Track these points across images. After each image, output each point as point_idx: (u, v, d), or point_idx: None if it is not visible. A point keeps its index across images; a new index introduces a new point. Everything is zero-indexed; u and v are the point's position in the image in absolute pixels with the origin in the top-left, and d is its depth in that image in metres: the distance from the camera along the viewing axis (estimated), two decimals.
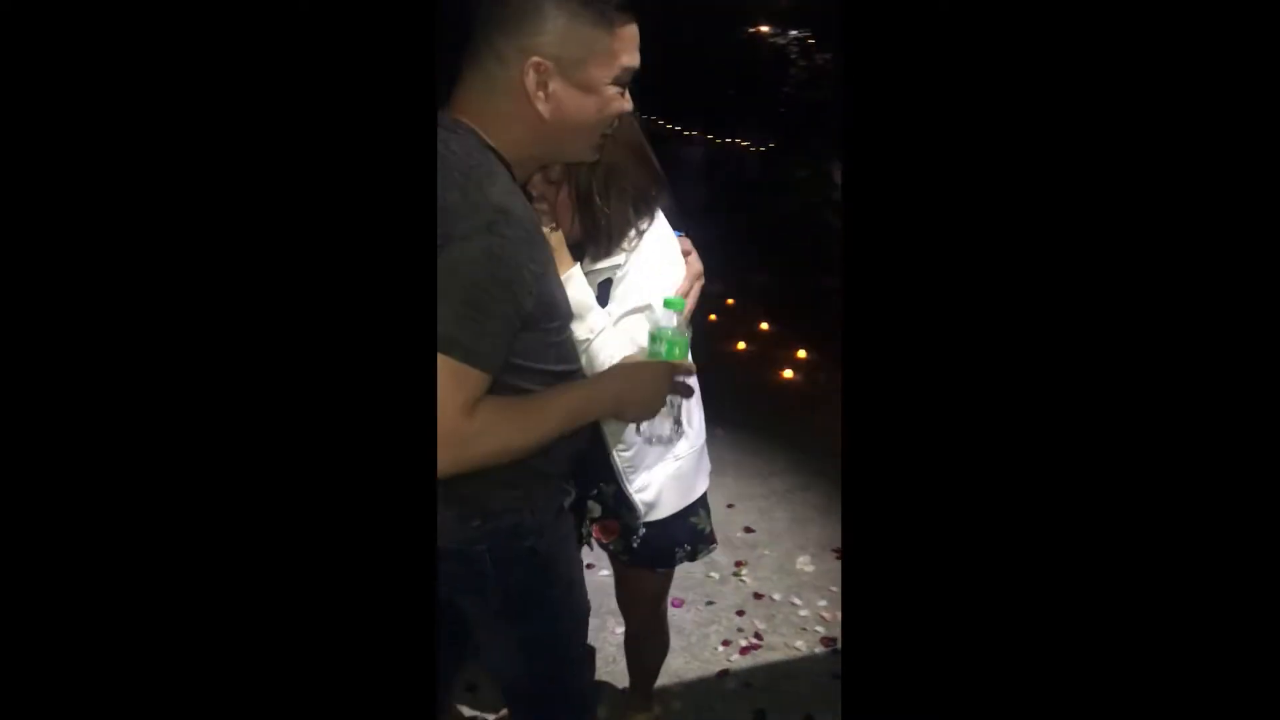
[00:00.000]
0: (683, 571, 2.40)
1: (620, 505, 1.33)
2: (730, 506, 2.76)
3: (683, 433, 1.22)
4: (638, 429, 1.15)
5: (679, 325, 1.08)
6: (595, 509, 1.37)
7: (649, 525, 1.34)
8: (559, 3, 0.87)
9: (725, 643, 2.08)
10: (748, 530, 2.63)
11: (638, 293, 1.18)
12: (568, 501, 1.14)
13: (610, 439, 1.27)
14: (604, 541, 1.40)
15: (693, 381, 1.28)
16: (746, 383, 3.98)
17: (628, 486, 1.29)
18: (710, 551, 1.45)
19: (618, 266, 1.20)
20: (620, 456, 1.28)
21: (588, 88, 0.91)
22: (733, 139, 8.20)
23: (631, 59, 0.93)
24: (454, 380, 0.86)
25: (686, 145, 6.53)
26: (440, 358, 0.85)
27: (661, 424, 1.11)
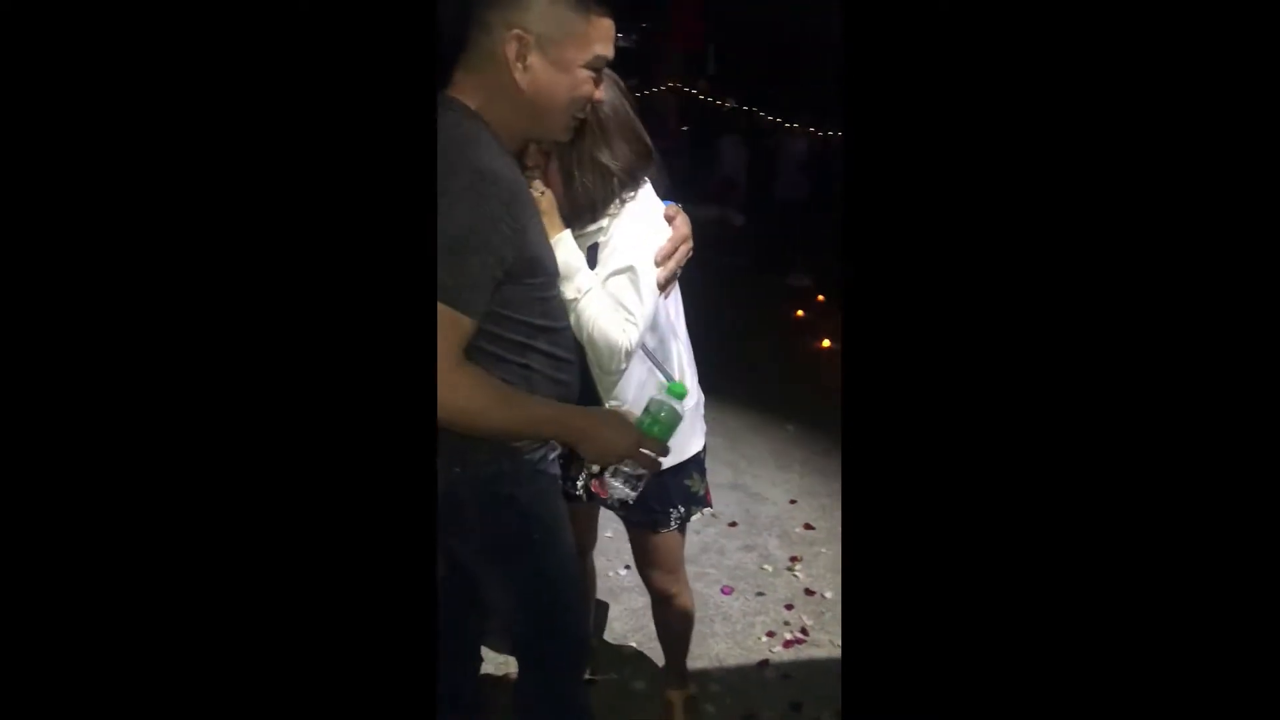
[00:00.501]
0: (735, 561, 2.46)
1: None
2: (793, 502, 2.77)
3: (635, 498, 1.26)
4: (605, 471, 1.22)
5: (673, 409, 1.15)
6: (594, 466, 1.37)
7: (648, 482, 1.35)
8: None
9: (770, 634, 2.10)
10: (808, 527, 2.64)
11: (619, 256, 1.26)
12: (552, 454, 1.19)
13: (603, 393, 1.33)
14: (603, 498, 1.42)
15: (683, 336, 1.41)
16: (827, 383, 3.96)
17: None
18: (701, 512, 1.51)
19: (601, 230, 1.28)
20: (612, 408, 1.32)
21: (562, 66, 1.02)
22: (837, 132, 8.07)
23: (605, 49, 1.04)
24: (440, 324, 0.94)
25: (790, 138, 6.47)
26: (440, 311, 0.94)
27: (620, 486, 1.19)
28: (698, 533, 2.46)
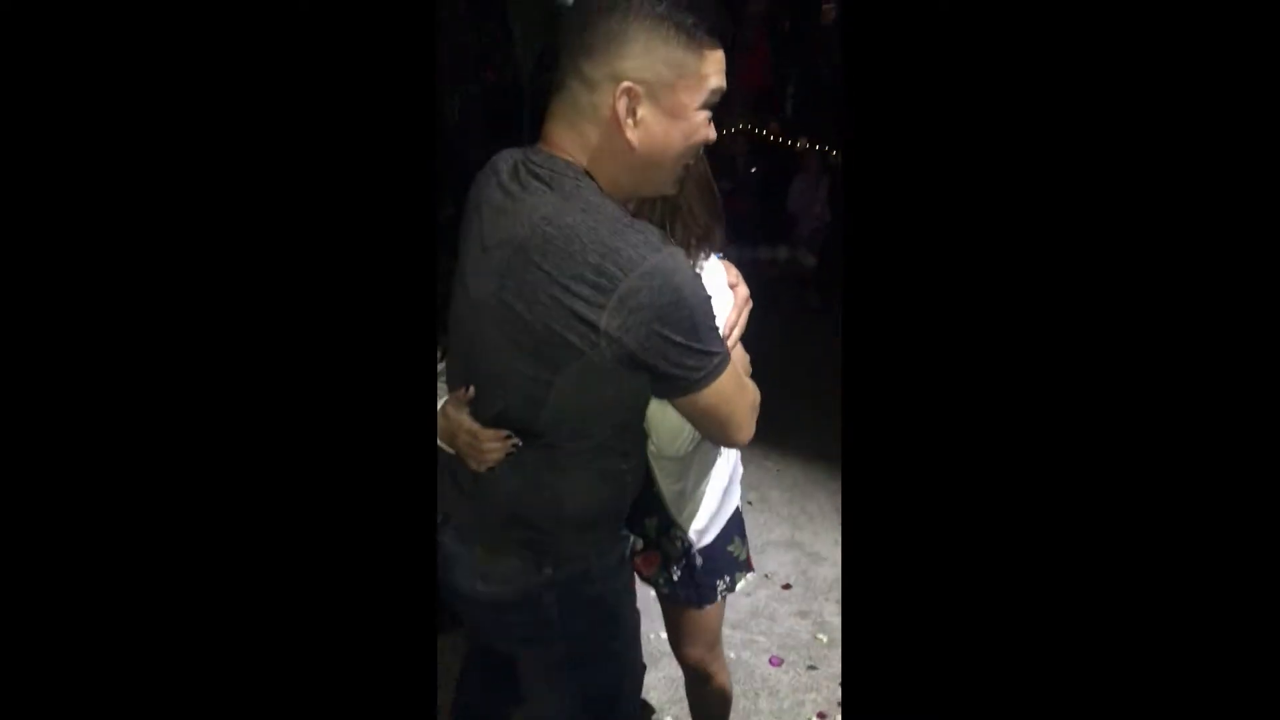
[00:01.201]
0: (786, 628, 2.28)
1: (660, 536, 1.30)
2: None
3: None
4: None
5: None
6: (637, 542, 1.33)
7: (699, 555, 1.30)
8: (648, 26, 0.85)
9: (821, 715, 1.93)
10: None
11: None
12: (628, 548, 1.12)
13: (662, 480, 1.24)
14: (645, 574, 1.35)
15: None
16: None
17: (679, 518, 1.27)
18: (745, 577, 1.39)
19: None
20: (670, 491, 1.25)
21: (677, 113, 0.89)
22: None
23: (719, 81, 0.90)
24: (737, 376, 0.96)
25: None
26: (727, 374, 0.92)
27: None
28: (748, 595, 2.30)
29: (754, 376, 1.33)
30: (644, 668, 1.19)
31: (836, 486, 3.22)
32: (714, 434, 1.01)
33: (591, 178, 0.91)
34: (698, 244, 1.16)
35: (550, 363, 0.88)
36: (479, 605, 1.05)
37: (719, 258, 1.23)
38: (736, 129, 5.43)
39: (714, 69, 0.89)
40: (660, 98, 0.87)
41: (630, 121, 0.87)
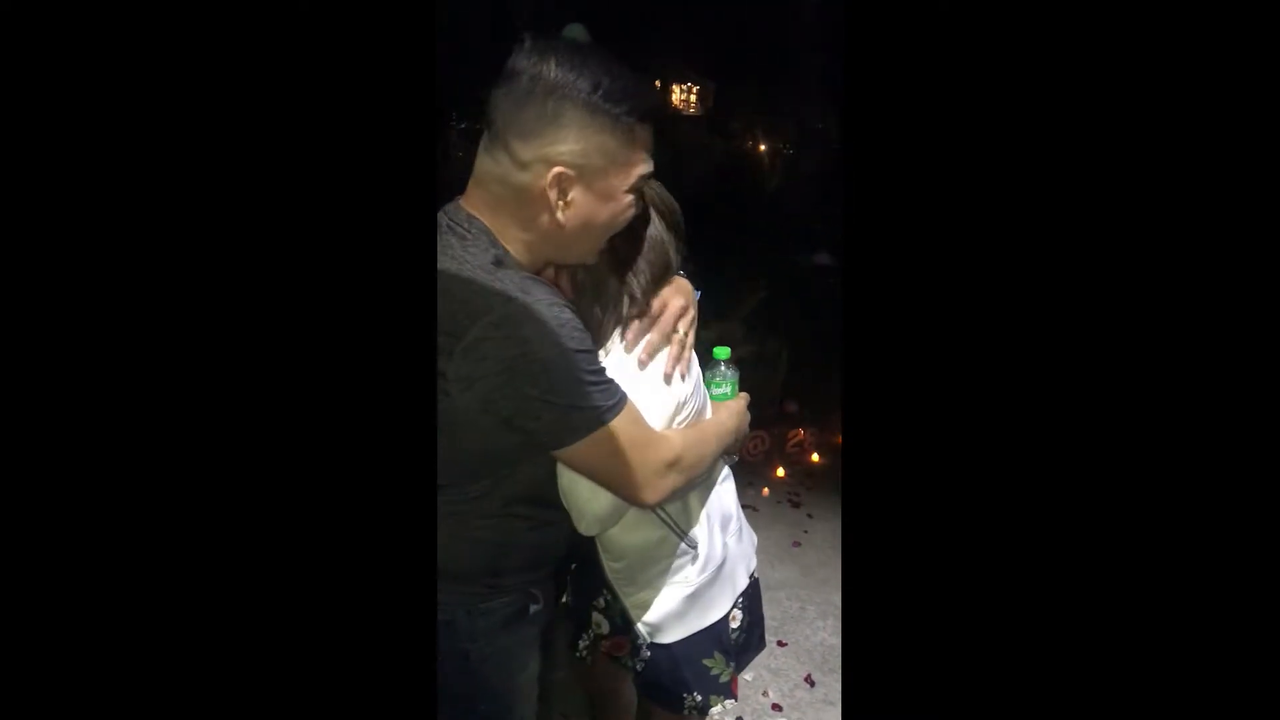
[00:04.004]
0: None
1: (628, 624, 1.19)
2: None
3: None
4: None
5: (730, 367, 1.19)
6: (603, 624, 1.24)
7: (655, 651, 1.17)
8: (582, 113, 0.86)
9: None
10: None
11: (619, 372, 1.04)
12: (532, 608, 1.05)
13: (602, 551, 1.15)
14: (617, 656, 1.24)
15: (728, 485, 1.23)
16: None
17: (624, 601, 1.17)
18: (724, 704, 1.22)
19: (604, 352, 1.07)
20: (611, 568, 1.16)
21: (606, 196, 0.91)
22: None
23: (647, 167, 0.93)
24: (630, 431, 0.90)
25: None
26: (607, 429, 0.88)
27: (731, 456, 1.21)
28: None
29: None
30: None
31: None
32: (611, 490, 0.95)
33: (490, 234, 0.91)
34: (632, 300, 1.04)
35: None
36: None
37: (680, 274, 1.14)
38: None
39: (643, 154, 0.92)
40: (591, 182, 0.89)
41: (561, 204, 0.88)
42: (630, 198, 0.93)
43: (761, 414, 3.75)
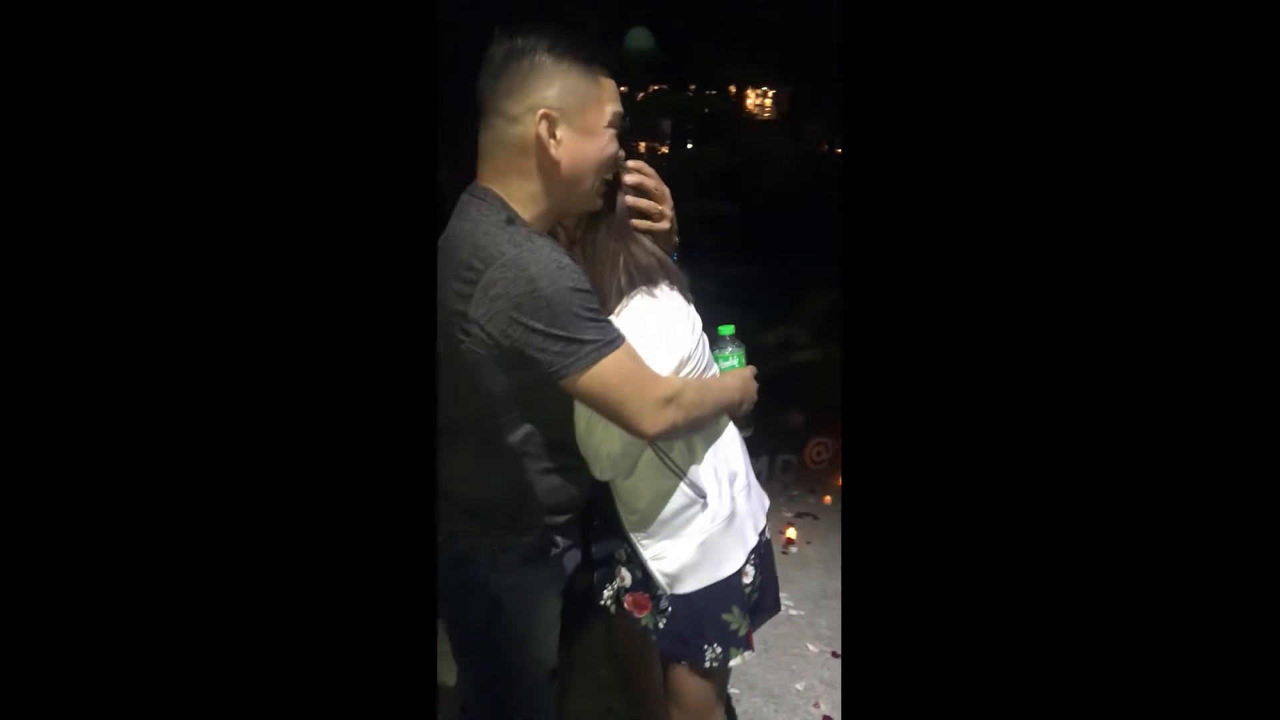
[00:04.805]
0: None
1: (648, 577, 1.25)
2: None
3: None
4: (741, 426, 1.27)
5: (736, 342, 1.27)
6: (626, 578, 1.30)
7: (674, 602, 1.24)
8: (551, 64, 1.03)
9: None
10: None
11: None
12: (553, 551, 1.15)
13: (619, 502, 1.22)
14: (636, 616, 1.29)
15: (736, 446, 1.30)
16: None
17: (643, 554, 1.23)
18: (742, 656, 1.28)
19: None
20: (628, 520, 1.22)
21: (589, 131, 1.07)
22: None
23: (617, 106, 1.09)
24: (628, 365, 1.00)
25: None
26: (608, 361, 0.99)
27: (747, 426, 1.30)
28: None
29: None
30: (546, 670, 1.18)
31: None
32: (614, 421, 1.05)
33: (502, 199, 1.05)
34: (638, 267, 1.17)
35: (444, 353, 1.00)
36: None
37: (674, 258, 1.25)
38: None
39: (610, 95, 1.08)
40: (573, 120, 1.05)
41: (553, 141, 1.03)
42: (610, 133, 1.09)
43: (824, 421, 3.70)
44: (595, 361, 0.98)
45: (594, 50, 1.07)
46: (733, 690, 2.05)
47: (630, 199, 1.19)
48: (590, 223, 1.17)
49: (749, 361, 1.30)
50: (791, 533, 2.95)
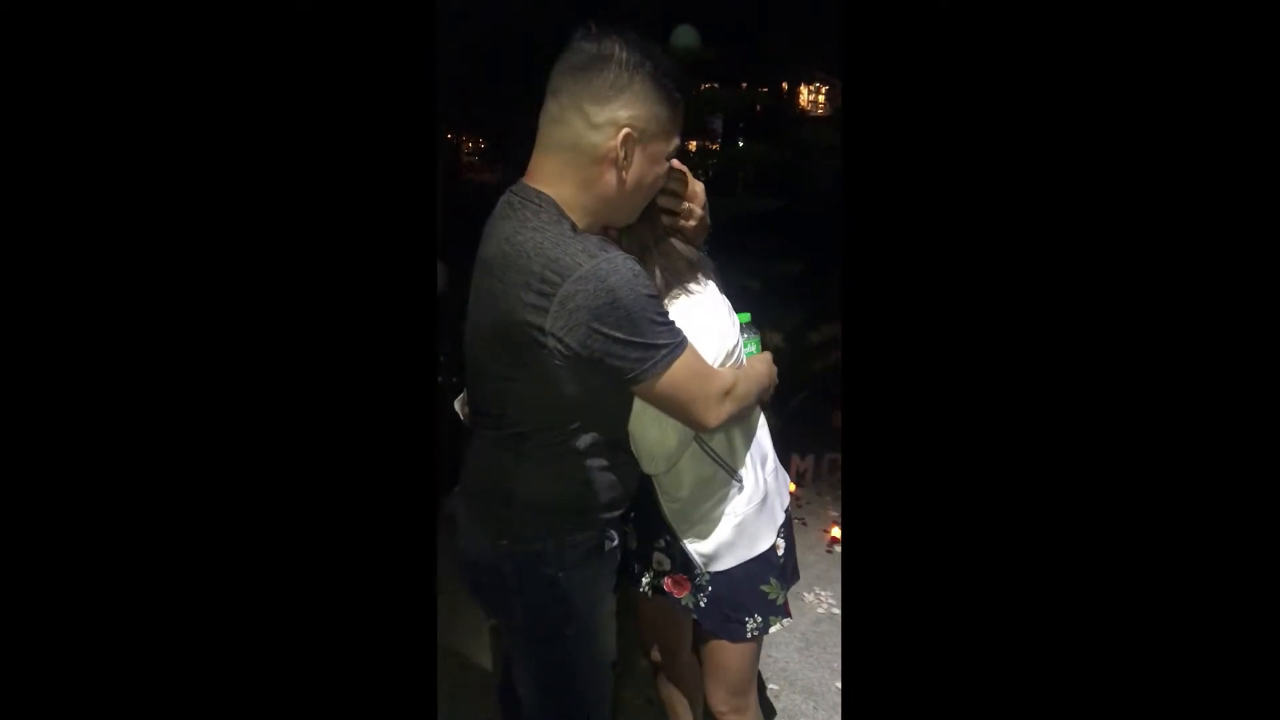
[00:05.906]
0: None
1: (681, 556, 1.31)
2: None
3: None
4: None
5: (752, 331, 1.31)
6: (664, 562, 1.34)
7: (715, 580, 1.29)
8: (643, 83, 1.02)
9: None
10: None
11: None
12: (608, 545, 1.19)
13: (660, 492, 1.26)
14: (677, 596, 1.34)
15: (764, 429, 1.35)
16: None
17: (683, 539, 1.28)
18: (781, 623, 1.34)
19: None
20: (669, 508, 1.27)
21: (655, 159, 1.07)
22: None
23: (679, 136, 1.10)
24: (695, 364, 1.04)
25: None
26: (679, 363, 1.02)
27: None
28: None
29: None
30: (608, 659, 1.21)
31: None
32: (679, 418, 1.10)
33: (557, 205, 1.04)
34: (689, 266, 1.21)
35: (512, 362, 1.02)
36: (464, 564, 1.20)
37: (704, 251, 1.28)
38: None
39: (679, 126, 1.08)
40: (647, 144, 1.04)
41: (625, 162, 1.03)
42: (666, 165, 1.09)
43: None
44: (671, 364, 1.02)
45: (684, 80, 1.06)
46: (772, 687, 2.06)
47: (661, 200, 1.20)
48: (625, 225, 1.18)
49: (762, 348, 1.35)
50: (836, 531, 2.94)
